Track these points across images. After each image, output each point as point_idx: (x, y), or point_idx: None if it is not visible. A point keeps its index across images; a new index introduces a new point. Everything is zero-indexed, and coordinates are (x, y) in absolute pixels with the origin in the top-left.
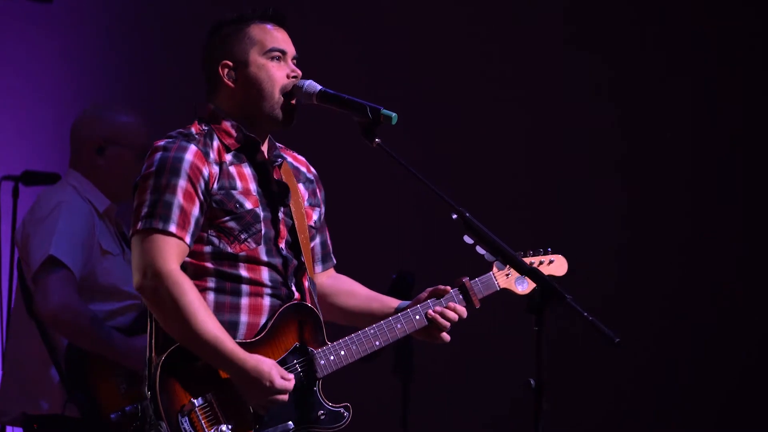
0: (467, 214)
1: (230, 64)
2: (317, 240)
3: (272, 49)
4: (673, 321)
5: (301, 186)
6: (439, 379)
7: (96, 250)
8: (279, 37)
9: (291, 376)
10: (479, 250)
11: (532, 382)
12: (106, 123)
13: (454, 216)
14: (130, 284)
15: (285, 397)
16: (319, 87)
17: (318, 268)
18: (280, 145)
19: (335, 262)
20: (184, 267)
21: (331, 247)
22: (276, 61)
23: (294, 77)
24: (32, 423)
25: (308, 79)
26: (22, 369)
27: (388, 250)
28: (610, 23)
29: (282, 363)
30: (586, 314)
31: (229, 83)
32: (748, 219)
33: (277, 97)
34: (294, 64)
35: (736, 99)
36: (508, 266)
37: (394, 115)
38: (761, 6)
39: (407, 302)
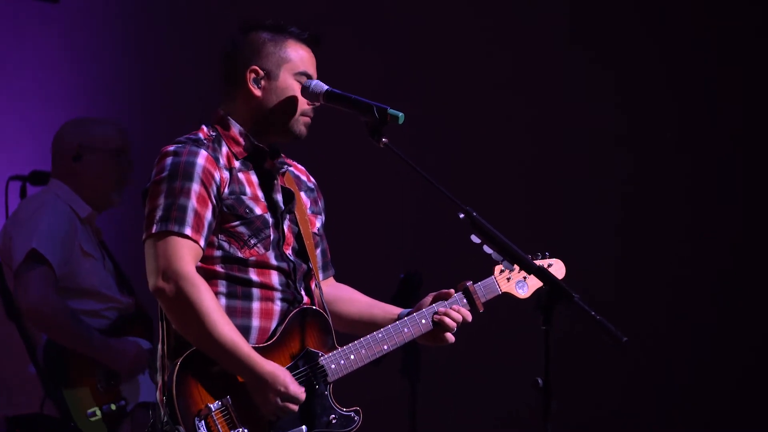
0: (474, 214)
1: (260, 72)
2: (318, 248)
3: (303, 73)
4: (673, 321)
5: (303, 194)
6: (447, 379)
7: (77, 251)
8: (310, 62)
9: (302, 388)
10: (486, 249)
11: (539, 381)
12: (81, 132)
13: (461, 215)
14: (110, 288)
15: (296, 406)
16: (325, 87)
17: (320, 276)
18: (282, 154)
19: (334, 271)
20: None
21: (330, 256)
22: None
23: (313, 106)
24: (14, 428)
25: (315, 79)
26: (2, 371)
27: (396, 250)
28: (611, 24)
29: (293, 367)
30: (593, 314)
31: (253, 89)
32: (748, 219)
33: (296, 117)
34: None
35: (736, 99)
36: (509, 270)
37: (401, 114)
38: (761, 6)
39: (409, 309)
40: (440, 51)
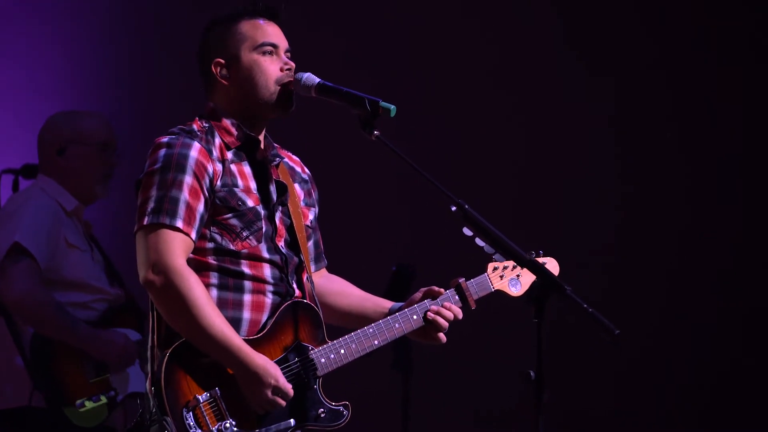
0: (466, 206)
1: (222, 61)
2: (311, 240)
3: (263, 44)
4: (673, 320)
5: (297, 186)
6: (439, 372)
7: (62, 244)
8: (270, 31)
9: (290, 386)
10: (478, 242)
11: (531, 373)
12: (65, 126)
13: (453, 208)
14: (98, 279)
15: (285, 400)
16: (317, 79)
17: (312, 267)
18: (276, 145)
19: (327, 262)
20: (187, 262)
21: (323, 247)
22: (268, 56)
23: (288, 70)
24: (3, 421)
25: (306, 72)
26: None
27: (388, 243)
28: (610, 24)
29: (283, 361)
30: (585, 306)
31: (223, 81)
32: (748, 219)
33: (273, 87)
34: (288, 57)
35: (736, 99)
36: (501, 263)
37: (392, 107)
38: (761, 6)
39: (400, 303)
40: (439, 50)
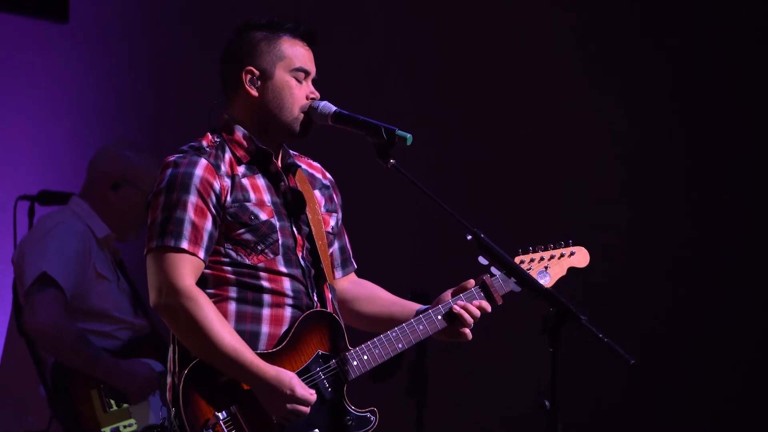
0: (482, 235)
1: (255, 72)
2: (336, 245)
3: (299, 69)
4: (674, 322)
5: (317, 192)
6: (452, 397)
7: (91, 273)
8: (306, 57)
9: (312, 391)
10: (494, 270)
11: (546, 403)
12: (125, 161)
13: (469, 237)
14: (122, 311)
15: (307, 408)
16: (333, 108)
17: (338, 273)
18: (294, 153)
19: (356, 266)
20: (205, 278)
21: (350, 252)
22: (298, 81)
23: (312, 99)
24: None
25: (323, 100)
26: (12, 387)
27: (402, 268)
28: (617, 24)
29: (305, 371)
30: (601, 336)
31: (250, 90)
32: (752, 221)
33: (297, 113)
34: (313, 85)
35: (741, 99)
36: (529, 260)
37: (408, 135)
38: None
39: (427, 306)
40: (453, 62)
